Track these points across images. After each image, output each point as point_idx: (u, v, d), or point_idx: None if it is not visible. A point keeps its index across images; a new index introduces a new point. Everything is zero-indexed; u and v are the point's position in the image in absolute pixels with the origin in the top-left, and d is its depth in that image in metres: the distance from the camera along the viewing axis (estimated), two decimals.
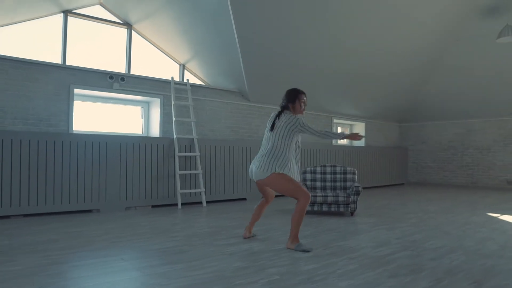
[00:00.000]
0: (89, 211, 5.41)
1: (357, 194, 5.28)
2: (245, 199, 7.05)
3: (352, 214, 5.39)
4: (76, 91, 5.64)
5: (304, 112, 3.60)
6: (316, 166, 5.92)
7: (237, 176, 6.94)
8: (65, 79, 5.48)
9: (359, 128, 10.29)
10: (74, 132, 5.57)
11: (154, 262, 2.92)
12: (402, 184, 11.02)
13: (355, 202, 5.29)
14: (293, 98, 3.55)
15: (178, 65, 7.50)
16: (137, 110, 6.69)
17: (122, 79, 5.96)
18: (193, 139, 6.38)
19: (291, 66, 7.06)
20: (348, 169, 5.80)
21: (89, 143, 5.38)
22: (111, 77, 5.86)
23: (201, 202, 6.34)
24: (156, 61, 7.30)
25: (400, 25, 7.16)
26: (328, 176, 5.81)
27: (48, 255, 3.07)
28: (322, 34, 6.65)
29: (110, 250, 3.28)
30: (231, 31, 5.94)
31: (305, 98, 3.59)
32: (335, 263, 2.96)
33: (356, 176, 5.79)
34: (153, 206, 6.01)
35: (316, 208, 5.40)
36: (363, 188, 9.60)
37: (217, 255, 3.16)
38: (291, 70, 7.13)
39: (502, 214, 5.62)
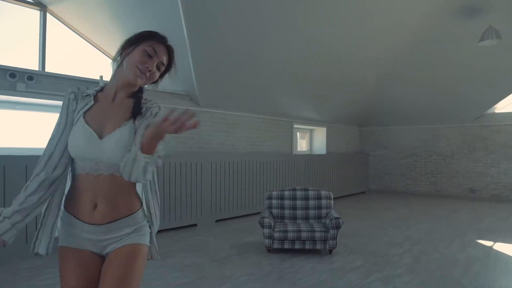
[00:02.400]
0: None
1: (338, 227, 4.27)
2: (195, 225, 5.81)
3: (330, 252, 4.38)
4: None
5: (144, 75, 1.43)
6: (283, 190, 4.84)
7: (185, 198, 5.68)
8: None
9: (321, 132, 9.40)
10: None
11: None
12: (363, 192, 10.34)
13: (334, 237, 4.28)
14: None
15: (110, 60, 6.04)
16: (54, 118, 5.18)
17: (30, 78, 4.46)
18: None
19: (248, 64, 5.91)
20: (323, 193, 4.79)
21: None
22: (12, 75, 4.33)
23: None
24: (83, 57, 5.79)
25: (364, 27, 6.23)
26: (299, 203, 4.75)
27: None
28: (283, 34, 5.56)
29: None
30: (178, 21, 4.66)
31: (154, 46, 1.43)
32: None
33: (332, 202, 4.79)
34: None
35: (286, 246, 4.32)
36: None
37: None
38: (247, 68, 5.98)
39: (495, 242, 4.92)
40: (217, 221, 6.18)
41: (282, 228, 4.30)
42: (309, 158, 8.44)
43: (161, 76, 1.51)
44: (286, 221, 4.68)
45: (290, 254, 4.34)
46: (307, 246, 4.31)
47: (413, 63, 7.99)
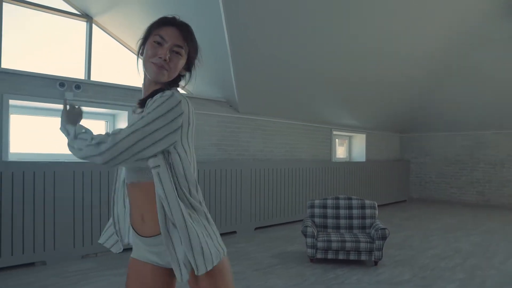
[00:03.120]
0: (31, 264, 4.03)
1: (384, 238, 4.10)
2: (235, 232, 5.78)
3: (376, 263, 4.21)
4: (13, 102, 4.25)
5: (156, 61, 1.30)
6: (326, 198, 4.71)
7: (224, 205, 5.66)
8: None
9: (360, 139, 9.17)
10: (10, 160, 4.18)
11: None
12: (404, 201, 9.97)
13: (380, 249, 4.11)
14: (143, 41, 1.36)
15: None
16: (100, 125, 5.33)
17: (77, 86, 4.60)
18: None
19: (288, 72, 5.84)
20: (367, 202, 4.63)
21: (29, 173, 4.00)
22: (61, 84, 4.49)
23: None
24: (126, 64, 5.93)
25: (406, 30, 6.03)
26: (342, 212, 4.61)
27: None
28: (323, 38, 5.46)
29: None
30: (220, 29, 4.68)
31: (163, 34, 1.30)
32: None
33: (377, 211, 4.62)
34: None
35: (330, 256, 4.19)
36: None
37: None
38: (287, 76, 5.91)
39: None
40: (256, 228, 6.11)
41: (325, 238, 4.18)
42: (348, 165, 8.23)
43: (190, 60, 1.34)
44: (329, 230, 4.55)
45: (334, 264, 4.20)
46: (352, 257, 4.16)
47: (460, 66, 7.66)
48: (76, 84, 4.60)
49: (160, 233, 1.23)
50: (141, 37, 1.34)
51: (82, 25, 5.49)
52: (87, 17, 5.48)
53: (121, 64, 5.90)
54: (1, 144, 4.10)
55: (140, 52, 1.33)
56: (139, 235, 1.30)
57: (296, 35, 5.19)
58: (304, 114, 7.23)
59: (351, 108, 7.90)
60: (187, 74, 1.37)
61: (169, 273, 1.31)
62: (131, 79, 5.57)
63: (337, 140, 8.96)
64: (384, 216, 7.45)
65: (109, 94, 4.91)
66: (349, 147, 9.34)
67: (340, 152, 9.19)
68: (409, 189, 10.22)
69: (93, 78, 5.37)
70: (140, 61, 1.37)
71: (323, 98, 7.07)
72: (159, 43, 1.27)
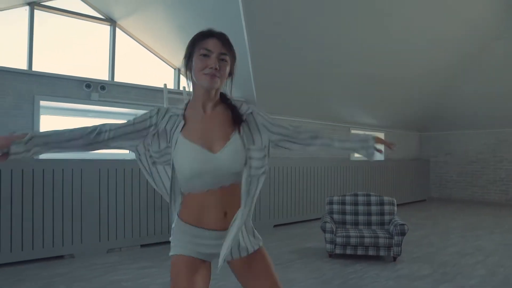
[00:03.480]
0: (61, 257, 4.22)
1: (403, 234, 4.13)
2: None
3: (394, 259, 4.23)
4: (43, 103, 4.46)
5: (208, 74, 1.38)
6: (345, 195, 4.76)
7: None
8: (29, 89, 4.31)
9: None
10: (41, 158, 4.39)
11: None
12: (424, 200, 9.88)
13: (399, 244, 4.14)
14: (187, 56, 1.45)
15: (173, 70, 6.33)
16: None
17: (102, 87, 4.79)
18: None
19: (305, 71, 5.92)
20: (386, 199, 4.65)
21: (58, 170, 4.19)
22: (88, 86, 4.68)
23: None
24: (147, 66, 6.12)
25: (424, 26, 6.02)
26: (360, 208, 4.65)
27: None
28: (341, 37, 5.52)
29: None
30: (239, 29, 4.79)
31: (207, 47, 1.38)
32: None
33: (396, 208, 4.64)
34: (142, 246, 4.83)
35: (348, 251, 4.24)
36: None
37: None
38: (304, 75, 5.99)
39: None
40: (275, 226, 6.20)
41: (344, 233, 4.23)
42: (367, 164, 8.22)
43: (231, 66, 1.45)
44: (347, 226, 4.60)
45: (353, 260, 4.25)
46: (370, 253, 4.20)
47: (479, 60, 7.57)
48: (101, 85, 4.79)
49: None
50: (185, 55, 1.43)
51: (106, 28, 5.70)
52: (111, 21, 5.69)
53: (142, 66, 6.09)
54: None
55: (188, 68, 1.43)
56: (210, 230, 1.40)
57: (314, 34, 5.26)
58: (322, 113, 7.28)
59: (369, 106, 7.90)
60: (229, 79, 1.48)
61: (208, 267, 1.47)
62: (152, 80, 5.75)
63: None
64: (402, 215, 7.40)
65: (131, 95, 5.08)
66: None
67: None
68: (429, 189, 10.11)
69: (117, 79, 5.56)
70: (184, 78, 1.51)
71: (341, 97, 7.11)
72: (205, 55, 1.36)
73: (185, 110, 1.43)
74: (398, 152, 9.64)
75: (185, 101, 1.47)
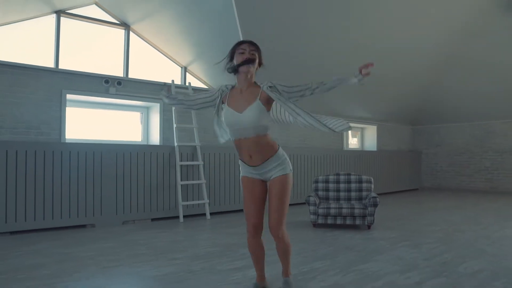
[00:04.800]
0: (83, 226, 4.99)
1: (375, 205, 4.81)
2: None
3: (369, 227, 4.92)
4: (69, 96, 5.23)
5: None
6: (328, 175, 5.46)
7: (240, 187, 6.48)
8: (57, 84, 5.08)
9: (371, 130, 9.81)
10: (66, 141, 5.17)
11: None
12: (416, 189, 10.51)
13: (372, 214, 4.83)
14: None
15: (180, 68, 7.09)
16: (136, 116, 6.28)
17: (119, 83, 5.55)
18: (195, 146, 5.95)
19: (300, 67, 6.62)
20: (364, 177, 5.34)
21: (82, 153, 4.97)
22: (106, 81, 5.45)
23: (204, 214, 5.90)
24: (156, 64, 6.89)
25: (415, 20, 6.69)
26: (342, 186, 5.35)
27: (27, 287, 2.64)
28: (331, 30, 6.21)
29: (98, 278, 2.85)
30: (235, 30, 5.52)
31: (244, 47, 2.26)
32: None
33: (372, 185, 5.32)
34: (152, 220, 5.58)
35: (329, 221, 4.94)
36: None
37: (220, 284, 2.72)
38: (299, 70, 6.69)
39: None
40: None
41: (325, 206, 4.93)
42: (360, 154, 8.88)
43: (260, 60, 2.29)
44: (330, 201, 5.29)
45: (333, 228, 4.95)
46: (348, 222, 4.89)
47: (464, 56, 8.19)
48: (118, 81, 5.55)
49: (265, 161, 2.28)
50: (227, 56, 2.32)
51: (121, 32, 6.47)
52: (126, 26, 6.46)
53: (153, 64, 6.85)
54: (60, 130, 5.10)
55: (229, 66, 2.27)
56: (248, 165, 2.34)
57: (305, 28, 5.94)
58: (316, 107, 7.96)
59: (361, 101, 8.56)
60: (259, 68, 2.37)
61: (264, 183, 2.39)
62: (162, 76, 6.50)
63: (350, 131, 9.63)
64: (390, 200, 8.07)
65: (143, 89, 5.84)
66: (361, 139, 9.98)
67: (354, 143, 9.84)
68: (421, 179, 10.74)
69: (130, 76, 6.33)
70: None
71: (333, 91, 7.77)
72: (242, 53, 2.23)
73: (232, 88, 2.37)
74: (392, 144, 10.28)
75: (232, 84, 2.37)
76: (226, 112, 2.27)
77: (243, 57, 2.20)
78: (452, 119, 10.05)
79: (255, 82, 2.32)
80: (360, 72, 2.36)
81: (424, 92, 9.31)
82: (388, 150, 9.88)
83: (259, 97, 2.22)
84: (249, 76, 2.26)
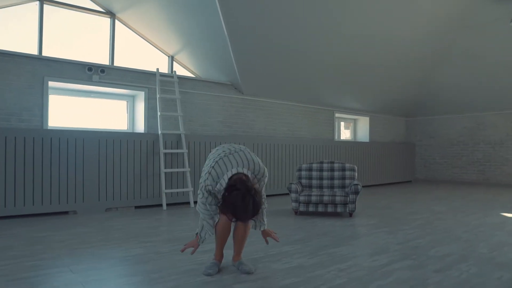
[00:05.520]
0: (65, 213, 5.00)
1: (356, 193, 4.79)
2: None
3: (350, 215, 4.91)
4: (51, 83, 5.23)
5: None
6: (312, 163, 5.43)
7: None
8: (39, 71, 5.07)
9: (364, 122, 9.76)
10: (48, 128, 5.16)
11: (107, 275, 2.48)
12: (410, 181, 10.47)
13: (353, 202, 4.81)
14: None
15: (167, 57, 7.06)
16: (122, 104, 6.27)
17: (102, 71, 5.53)
18: (180, 134, 5.93)
19: (287, 55, 6.58)
20: (347, 165, 5.31)
21: (64, 139, 4.97)
22: (90, 69, 5.43)
23: (188, 203, 5.90)
24: (143, 53, 6.86)
25: (406, 11, 6.63)
26: (325, 174, 5.33)
27: None
28: (321, 19, 6.16)
29: (64, 259, 2.85)
30: (219, 19, 5.48)
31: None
32: (319, 276, 2.49)
33: (356, 173, 5.30)
34: (136, 207, 5.58)
35: (311, 209, 4.93)
36: (368, 186, 9.09)
37: (184, 265, 2.71)
38: (287, 59, 6.65)
39: None
40: None
41: (307, 193, 4.91)
42: (352, 145, 8.85)
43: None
44: (313, 189, 5.27)
45: (314, 215, 4.93)
46: (329, 210, 4.87)
47: (455, 49, 8.14)
48: (101, 69, 5.53)
49: None
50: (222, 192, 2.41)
51: (106, 20, 6.44)
52: (111, 14, 6.43)
53: (140, 54, 6.83)
54: (42, 117, 5.09)
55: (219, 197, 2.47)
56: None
57: (292, 17, 5.89)
58: (306, 97, 7.93)
59: (353, 92, 8.52)
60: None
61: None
62: (147, 64, 6.48)
63: (342, 123, 9.60)
64: (380, 191, 8.04)
65: (129, 77, 5.82)
66: (354, 130, 9.94)
67: (347, 135, 9.81)
68: (414, 171, 10.70)
69: (116, 64, 6.31)
70: None
71: (323, 80, 7.74)
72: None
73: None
74: (386, 135, 10.24)
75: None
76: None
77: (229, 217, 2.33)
78: (444, 111, 9.99)
79: None
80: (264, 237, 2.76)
81: (418, 84, 9.25)
82: (381, 142, 9.83)
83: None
84: None
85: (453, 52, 8.28)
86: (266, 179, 2.55)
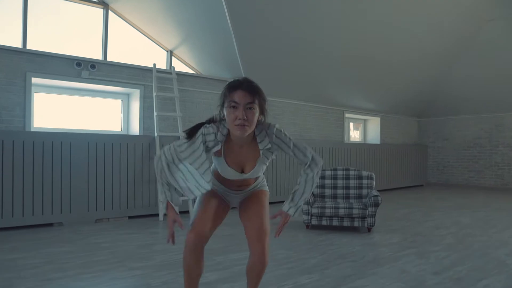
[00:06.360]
0: (50, 225, 4.47)
1: (376, 205, 4.25)
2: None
3: (369, 230, 4.36)
4: (35, 80, 4.68)
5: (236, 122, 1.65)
6: (325, 170, 4.89)
7: None
8: (20, 66, 4.53)
9: (374, 123, 9.20)
10: (32, 130, 4.62)
11: None
12: (421, 185, 9.91)
13: (373, 215, 4.26)
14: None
15: (165, 52, 6.50)
16: (116, 103, 5.72)
17: (92, 66, 4.99)
18: (179, 137, 5.39)
19: (295, 50, 6.02)
20: (364, 173, 4.76)
21: (48, 142, 4.42)
22: (78, 64, 4.89)
23: (187, 212, 5.37)
24: (139, 47, 6.31)
25: (422, 5, 6.06)
26: (339, 182, 4.78)
27: None
28: (331, 13, 5.60)
29: None
30: (222, 10, 4.93)
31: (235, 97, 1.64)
32: None
33: (374, 182, 4.75)
34: (130, 217, 5.05)
35: (324, 222, 4.38)
36: (379, 191, 8.54)
37: None
38: (295, 55, 6.09)
39: None
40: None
41: (320, 205, 4.37)
42: (362, 147, 8.30)
43: (262, 108, 1.69)
44: (326, 199, 4.73)
45: (329, 230, 4.39)
46: (345, 224, 4.33)
47: (475, 45, 7.57)
48: (91, 64, 4.99)
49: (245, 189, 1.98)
50: (219, 104, 1.71)
51: (99, 11, 5.89)
52: (104, 4, 5.87)
53: (136, 48, 6.28)
54: (24, 118, 4.55)
55: (222, 117, 1.73)
56: (230, 189, 1.96)
57: (303, 8, 5.34)
58: (315, 95, 7.38)
59: (364, 90, 7.96)
60: (262, 117, 1.74)
61: (228, 206, 2.03)
62: (144, 60, 5.93)
63: (352, 123, 9.04)
64: (394, 197, 7.51)
65: (123, 74, 5.27)
66: (364, 131, 9.39)
67: (356, 135, 9.25)
68: (426, 174, 10.14)
69: (109, 59, 5.76)
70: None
71: (333, 79, 7.19)
72: (234, 107, 1.61)
73: (227, 135, 1.75)
74: (398, 137, 9.68)
75: (226, 129, 1.73)
76: (224, 169, 1.82)
77: (235, 116, 1.61)
78: (460, 112, 9.41)
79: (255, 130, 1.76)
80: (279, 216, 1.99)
81: (430, 83, 8.68)
82: (392, 144, 9.28)
83: (261, 153, 1.80)
84: (245, 136, 1.69)
85: (467, 50, 7.70)
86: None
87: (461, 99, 8.99)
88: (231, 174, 1.82)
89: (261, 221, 1.83)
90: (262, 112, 1.71)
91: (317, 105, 7.60)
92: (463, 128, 9.49)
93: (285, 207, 1.93)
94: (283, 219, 1.93)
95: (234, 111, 1.61)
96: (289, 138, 1.81)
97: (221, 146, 1.74)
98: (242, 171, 1.81)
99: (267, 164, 1.88)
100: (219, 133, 1.70)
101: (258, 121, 1.70)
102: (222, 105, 1.68)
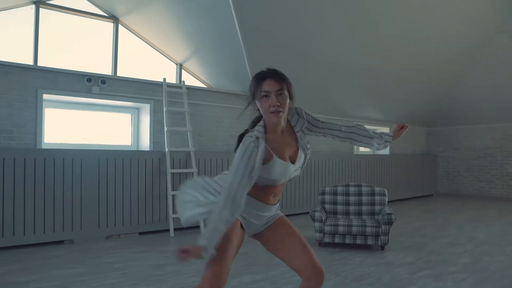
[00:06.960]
0: (61, 242, 4.45)
1: (390, 223, 4.19)
2: None
3: (382, 248, 4.30)
4: (46, 96, 4.68)
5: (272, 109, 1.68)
6: (337, 185, 4.84)
7: None
8: (32, 83, 4.54)
9: None
10: (43, 148, 4.62)
11: None
12: (431, 195, 9.81)
13: (386, 233, 4.20)
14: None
15: (175, 65, 6.51)
16: (126, 118, 5.72)
17: (103, 81, 4.99)
18: (189, 152, 5.37)
19: (305, 63, 5.99)
20: (377, 189, 4.71)
21: (59, 159, 4.42)
22: (89, 80, 4.89)
23: (198, 227, 5.33)
24: (149, 61, 6.32)
25: (433, 10, 6.01)
26: (352, 199, 4.73)
27: None
28: (339, 25, 5.57)
29: None
30: (232, 23, 4.92)
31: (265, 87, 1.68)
32: None
33: (387, 198, 4.69)
34: (140, 233, 5.03)
35: (337, 240, 4.33)
36: (389, 202, 8.45)
37: None
38: (305, 67, 6.06)
39: None
40: None
41: (333, 222, 4.32)
42: (371, 158, 8.24)
43: (290, 93, 1.74)
44: (338, 216, 4.68)
45: (341, 248, 4.34)
46: (358, 241, 4.28)
47: (485, 55, 7.50)
48: (101, 80, 4.99)
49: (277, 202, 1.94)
50: (248, 96, 1.76)
51: (109, 26, 5.91)
52: (114, 18, 5.90)
53: (146, 61, 6.29)
54: (36, 134, 4.55)
55: (256, 108, 1.77)
56: (265, 204, 1.85)
57: (310, 24, 5.32)
58: (322, 107, 7.33)
59: (373, 100, 7.91)
60: (291, 102, 1.78)
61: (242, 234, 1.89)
62: (155, 75, 5.94)
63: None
64: (404, 209, 7.43)
65: (133, 88, 5.27)
66: None
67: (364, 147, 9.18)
68: (436, 184, 10.03)
69: (119, 74, 5.77)
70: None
71: (342, 89, 7.15)
72: (266, 96, 1.66)
73: (265, 133, 1.73)
74: (406, 147, 9.60)
75: (261, 125, 1.73)
76: (278, 166, 1.72)
77: (269, 103, 1.66)
78: (470, 121, 9.31)
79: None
80: (392, 136, 2.05)
81: (440, 92, 8.60)
82: (401, 154, 9.20)
83: (298, 137, 1.84)
84: (282, 122, 1.75)
85: (478, 59, 7.62)
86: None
87: (471, 109, 8.90)
88: (282, 167, 1.73)
89: (310, 256, 1.87)
90: (291, 97, 1.76)
91: (327, 116, 7.55)
92: (473, 137, 9.39)
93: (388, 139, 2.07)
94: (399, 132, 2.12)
95: (267, 100, 1.66)
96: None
97: (265, 143, 1.70)
98: (292, 162, 1.79)
99: (306, 156, 1.84)
100: (255, 131, 1.71)
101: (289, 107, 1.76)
102: (253, 98, 1.72)
